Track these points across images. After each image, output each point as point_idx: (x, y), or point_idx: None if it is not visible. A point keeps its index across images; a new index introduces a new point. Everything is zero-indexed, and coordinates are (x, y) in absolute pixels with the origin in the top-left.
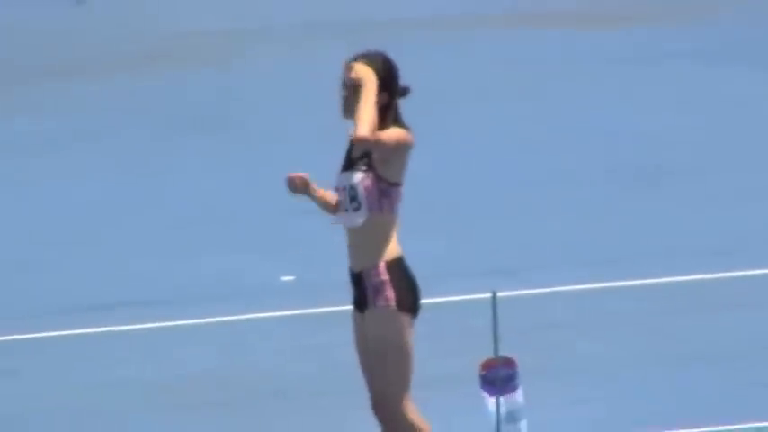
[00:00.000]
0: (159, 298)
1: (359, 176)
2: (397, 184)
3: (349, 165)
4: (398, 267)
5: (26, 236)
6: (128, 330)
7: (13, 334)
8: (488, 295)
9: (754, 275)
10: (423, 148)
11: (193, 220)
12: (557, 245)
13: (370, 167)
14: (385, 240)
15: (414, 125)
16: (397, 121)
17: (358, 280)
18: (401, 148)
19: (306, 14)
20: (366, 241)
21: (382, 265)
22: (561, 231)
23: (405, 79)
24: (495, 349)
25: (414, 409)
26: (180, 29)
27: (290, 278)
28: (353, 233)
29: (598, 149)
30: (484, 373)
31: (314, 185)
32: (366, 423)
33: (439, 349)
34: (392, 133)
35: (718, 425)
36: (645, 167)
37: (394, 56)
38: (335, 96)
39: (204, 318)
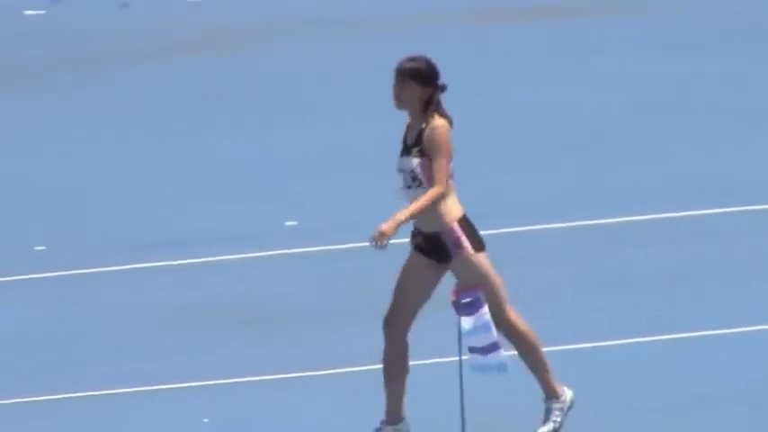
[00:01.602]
0: (189, 238)
1: (416, 161)
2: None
3: (406, 150)
4: (465, 223)
5: (91, 186)
6: (167, 265)
7: (69, 269)
8: None
9: (660, 219)
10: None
11: (218, 176)
12: (513, 195)
13: (423, 153)
14: (449, 205)
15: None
16: (439, 111)
17: (431, 238)
18: (449, 148)
19: (309, 12)
20: (434, 209)
21: (455, 226)
22: (517, 185)
23: None
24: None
25: (516, 314)
26: (214, 22)
27: (293, 223)
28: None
29: (537, 121)
30: (453, 298)
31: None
32: (363, 333)
33: None
34: (438, 150)
35: (630, 337)
36: (575, 133)
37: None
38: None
39: (225, 255)
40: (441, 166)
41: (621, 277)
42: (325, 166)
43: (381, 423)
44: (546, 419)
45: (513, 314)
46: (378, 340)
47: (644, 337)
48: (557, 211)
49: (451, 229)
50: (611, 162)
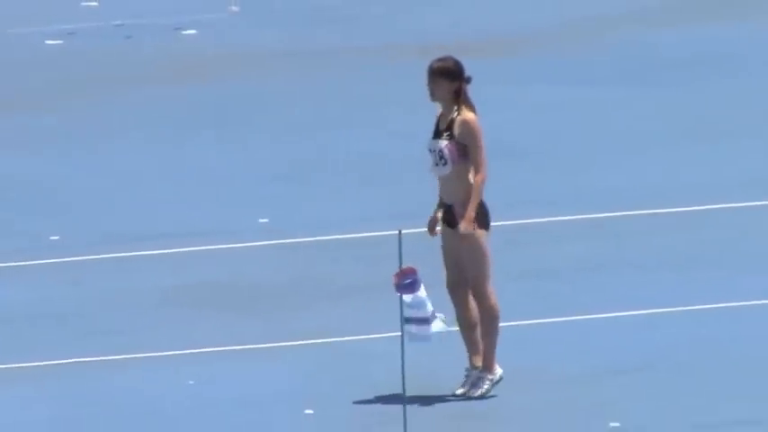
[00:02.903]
0: (178, 232)
1: (444, 143)
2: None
3: (437, 133)
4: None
5: (97, 188)
6: (159, 254)
7: (78, 256)
8: (396, 232)
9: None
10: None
11: (203, 182)
12: None
13: (452, 137)
14: (466, 182)
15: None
16: (467, 102)
17: (450, 208)
18: (482, 138)
19: (283, 45)
20: (453, 184)
21: (467, 200)
22: None
23: None
24: (400, 263)
25: (492, 291)
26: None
27: (265, 220)
28: (444, 179)
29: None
30: (396, 281)
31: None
32: (326, 311)
33: (381, 262)
34: (476, 142)
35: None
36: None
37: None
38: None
39: (209, 246)
40: (479, 154)
41: (547, 269)
42: (294, 174)
43: (466, 370)
44: (475, 385)
45: (490, 290)
46: (337, 318)
47: (561, 317)
48: (505, 212)
49: (462, 204)
50: (545, 171)
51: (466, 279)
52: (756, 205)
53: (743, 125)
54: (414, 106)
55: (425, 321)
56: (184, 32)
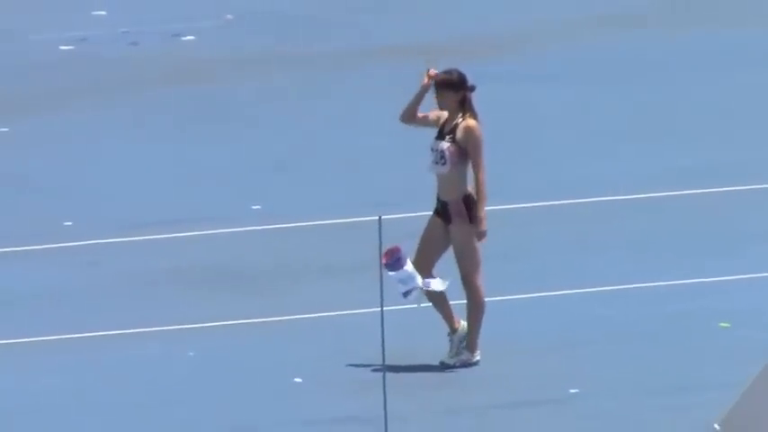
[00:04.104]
0: (178, 218)
1: (446, 145)
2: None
3: (440, 135)
4: (469, 199)
5: (107, 180)
6: (163, 238)
7: (89, 240)
8: (376, 218)
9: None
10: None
11: (202, 174)
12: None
13: (454, 140)
14: (461, 183)
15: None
16: (471, 109)
17: (445, 204)
18: (482, 144)
19: (278, 48)
20: (450, 183)
21: (461, 199)
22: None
23: None
24: (380, 246)
25: (482, 284)
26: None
27: (258, 207)
28: (441, 177)
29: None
30: (385, 261)
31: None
32: (317, 289)
33: (362, 245)
34: (477, 147)
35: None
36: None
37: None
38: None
39: (207, 231)
40: (480, 158)
41: (520, 250)
42: (284, 165)
43: (448, 335)
44: (457, 354)
45: (479, 282)
46: (323, 295)
47: (531, 294)
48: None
49: (457, 202)
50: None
51: (431, 264)
52: (709, 192)
53: (701, 122)
54: (397, 104)
55: (416, 290)
56: (184, 38)
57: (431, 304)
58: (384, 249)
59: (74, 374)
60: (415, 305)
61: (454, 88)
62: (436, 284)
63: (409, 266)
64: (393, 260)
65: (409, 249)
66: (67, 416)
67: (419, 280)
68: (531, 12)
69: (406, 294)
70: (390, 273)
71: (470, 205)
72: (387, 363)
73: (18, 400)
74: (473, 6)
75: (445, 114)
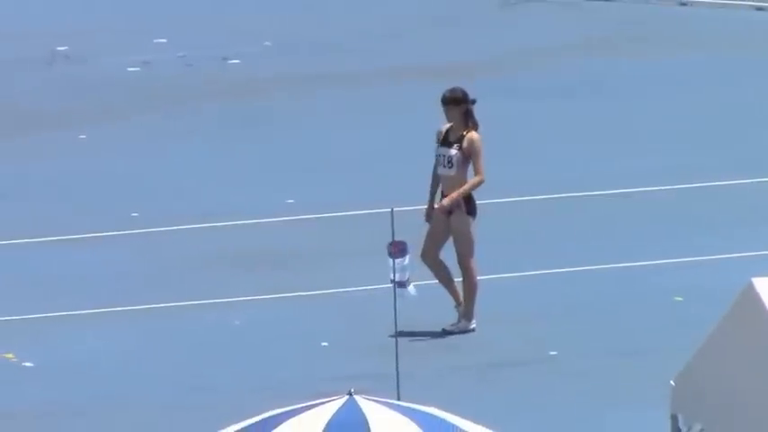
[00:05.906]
0: (224, 211)
1: (453, 151)
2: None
3: (447, 143)
4: (468, 196)
5: (167, 177)
6: (211, 227)
7: (152, 228)
8: (389, 210)
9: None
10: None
11: (244, 172)
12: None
13: (460, 148)
14: (463, 183)
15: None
16: (473, 120)
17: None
18: (482, 151)
19: (307, 68)
20: (454, 183)
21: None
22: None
23: None
24: (393, 235)
25: (475, 266)
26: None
27: (292, 201)
28: (447, 179)
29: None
30: (391, 250)
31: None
32: (349, 268)
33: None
34: (478, 155)
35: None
36: None
37: None
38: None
39: (247, 220)
40: (480, 164)
41: (502, 238)
42: (313, 166)
43: (455, 307)
44: (458, 322)
45: (473, 264)
46: (345, 274)
47: (516, 273)
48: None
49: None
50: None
51: (437, 249)
52: (667, 189)
53: (654, 131)
54: (407, 115)
55: (403, 285)
56: (230, 61)
57: (437, 281)
58: (393, 240)
59: (144, 338)
60: (401, 297)
61: (457, 103)
62: (412, 289)
63: (407, 261)
64: (399, 251)
65: (416, 238)
66: (141, 368)
67: (407, 275)
68: (518, 38)
69: (400, 284)
70: (396, 260)
71: (468, 200)
72: (398, 330)
73: (103, 357)
74: (473, 35)
75: (445, 127)
